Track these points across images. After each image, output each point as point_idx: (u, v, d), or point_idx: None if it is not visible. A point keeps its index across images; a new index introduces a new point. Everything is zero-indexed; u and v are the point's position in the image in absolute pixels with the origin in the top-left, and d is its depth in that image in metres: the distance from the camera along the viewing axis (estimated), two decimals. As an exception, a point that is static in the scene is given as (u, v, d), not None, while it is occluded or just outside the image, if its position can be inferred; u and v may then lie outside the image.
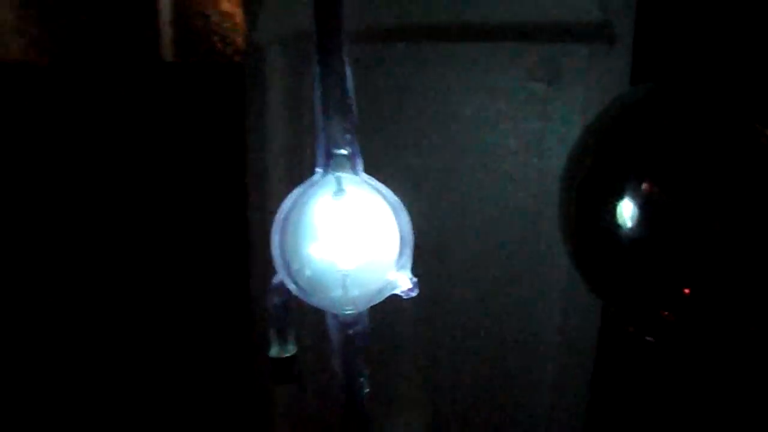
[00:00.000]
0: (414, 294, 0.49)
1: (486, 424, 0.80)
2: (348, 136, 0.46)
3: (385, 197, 0.47)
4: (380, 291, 0.48)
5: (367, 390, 0.53)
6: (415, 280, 0.48)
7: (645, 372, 0.64)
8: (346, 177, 0.47)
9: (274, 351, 0.52)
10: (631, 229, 0.55)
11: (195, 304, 1.19)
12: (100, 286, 1.21)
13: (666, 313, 0.57)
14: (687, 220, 0.52)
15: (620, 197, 0.55)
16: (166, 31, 1.40)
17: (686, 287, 0.55)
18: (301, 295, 0.49)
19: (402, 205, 0.48)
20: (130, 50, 1.37)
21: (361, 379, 0.53)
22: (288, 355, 0.52)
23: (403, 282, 0.48)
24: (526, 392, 0.79)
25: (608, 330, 0.68)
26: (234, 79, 1.08)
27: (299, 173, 0.88)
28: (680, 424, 0.65)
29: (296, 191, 0.47)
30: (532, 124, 0.76)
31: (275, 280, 0.51)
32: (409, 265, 0.48)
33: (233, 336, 1.09)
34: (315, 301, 0.49)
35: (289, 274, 0.48)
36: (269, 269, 0.89)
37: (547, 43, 0.72)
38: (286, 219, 0.47)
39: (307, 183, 0.48)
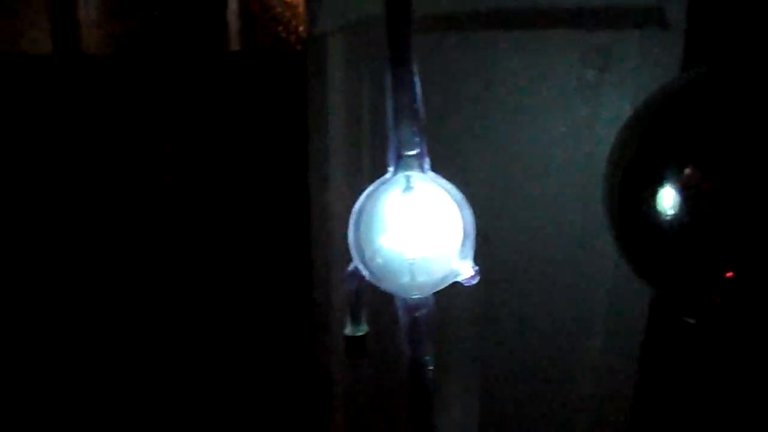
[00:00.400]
0: (474, 282, 0.53)
1: (534, 406, 0.82)
2: (416, 139, 0.51)
3: (449, 193, 0.52)
4: (444, 278, 0.53)
5: (432, 368, 0.58)
6: (476, 268, 0.52)
7: (693, 355, 0.65)
8: (415, 175, 0.52)
9: (348, 329, 0.58)
10: (676, 213, 0.56)
11: (260, 291, 1.24)
12: (168, 274, 1.27)
13: (713, 296, 0.58)
14: (734, 204, 0.53)
15: (666, 181, 0.56)
16: (234, 22, 1.46)
17: (733, 270, 0.56)
18: (373, 281, 0.56)
19: (465, 201, 0.52)
20: (200, 41, 1.44)
21: (427, 358, 0.58)
22: (360, 333, 0.58)
23: (465, 270, 0.52)
24: (573, 377, 0.80)
25: (656, 316, 0.69)
26: (296, 67, 1.12)
27: (358, 158, 0.92)
28: (728, 408, 0.65)
29: (370, 188, 0.53)
30: (583, 111, 0.77)
31: (350, 266, 0.55)
32: (471, 255, 0.52)
33: (296, 323, 1.14)
34: (385, 286, 0.56)
35: (363, 261, 0.53)
36: (329, 255, 0.94)
37: (599, 29, 0.73)
38: (360, 213, 0.53)
39: (379, 181, 0.53)
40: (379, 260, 0.53)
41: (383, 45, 0.52)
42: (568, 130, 0.78)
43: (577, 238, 0.79)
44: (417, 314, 0.57)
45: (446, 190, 0.52)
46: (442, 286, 0.55)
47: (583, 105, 0.76)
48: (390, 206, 0.53)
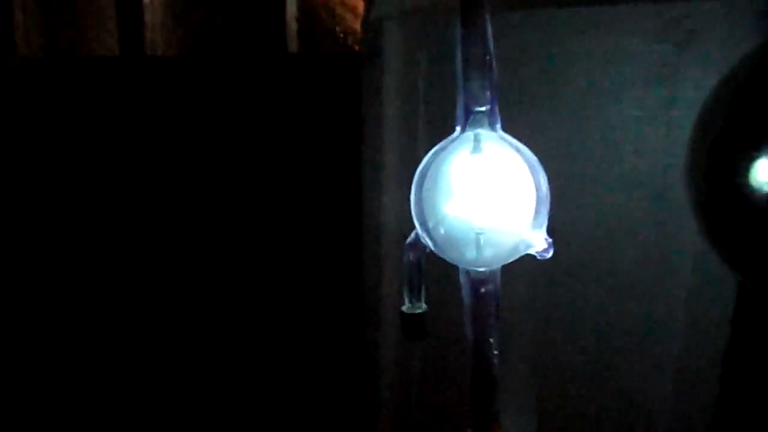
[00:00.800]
0: (548, 255, 0.48)
1: (602, 408, 0.76)
2: (487, 93, 0.46)
3: (523, 155, 0.47)
4: (514, 250, 0.48)
5: (497, 353, 0.53)
6: (550, 240, 0.47)
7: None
8: (484, 134, 0.48)
9: (406, 306, 0.53)
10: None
11: (309, 282, 1.24)
12: (227, 259, 1.29)
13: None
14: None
15: (759, 155, 0.50)
16: (292, 25, 1.48)
17: None
18: (436, 251, 0.49)
19: (539, 164, 0.48)
20: (260, 43, 1.47)
21: (491, 341, 0.52)
22: (419, 311, 0.53)
23: (538, 242, 0.47)
24: (648, 377, 0.73)
25: (744, 309, 0.62)
26: (354, 67, 1.11)
27: (412, 149, 0.89)
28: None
29: (435, 148, 0.48)
30: (659, 91, 0.71)
31: (411, 236, 0.51)
32: (544, 224, 0.48)
33: (347, 311, 1.12)
34: (449, 257, 0.50)
35: (425, 230, 0.48)
36: (381, 256, 0.91)
37: (676, 0, 0.67)
38: (424, 175, 0.48)
39: (446, 140, 0.48)
40: (443, 229, 0.49)
41: (439, 32, 0.48)
42: (643, 113, 0.72)
43: (653, 231, 0.73)
44: (482, 290, 0.52)
45: (519, 151, 0.48)
46: (512, 259, 0.49)
47: (660, 86, 0.70)
48: (456, 168, 0.48)
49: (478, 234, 0.48)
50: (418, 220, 0.49)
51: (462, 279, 0.51)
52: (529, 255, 0.50)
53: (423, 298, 0.53)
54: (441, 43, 0.81)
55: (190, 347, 1.29)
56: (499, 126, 0.48)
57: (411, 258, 0.52)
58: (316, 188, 1.28)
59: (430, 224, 0.49)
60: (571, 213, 0.78)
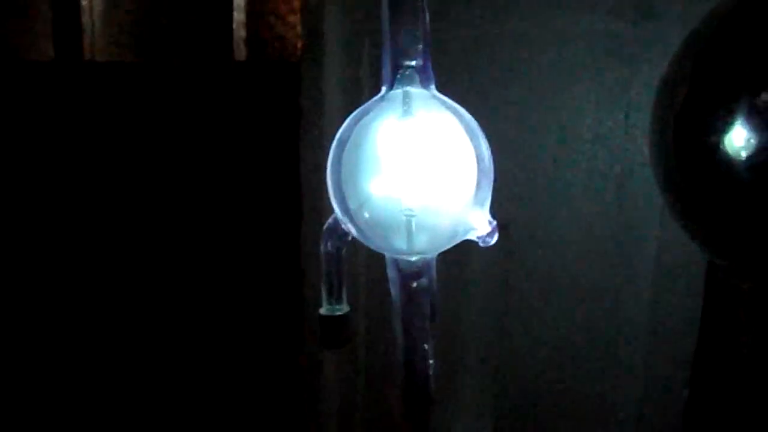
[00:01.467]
0: (492, 241, 0.40)
1: (568, 415, 0.69)
2: (419, 45, 0.39)
3: (461, 118, 0.40)
4: (452, 235, 0.40)
5: (432, 362, 0.44)
6: (494, 223, 0.40)
7: (757, 356, 0.52)
8: (416, 93, 0.40)
9: (324, 309, 0.44)
10: (747, 160, 0.44)
11: (252, 285, 1.19)
12: (168, 266, 1.23)
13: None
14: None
15: (730, 123, 0.44)
16: (240, 32, 1.42)
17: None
18: (359, 239, 0.41)
19: (479, 128, 0.40)
20: (207, 50, 1.41)
21: (425, 347, 0.44)
22: (339, 313, 0.44)
23: (480, 224, 0.39)
24: (614, 382, 0.67)
25: (715, 294, 0.56)
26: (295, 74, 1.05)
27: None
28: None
29: (356, 112, 0.40)
30: (617, 73, 0.66)
31: (329, 220, 0.42)
32: (487, 202, 0.40)
33: (286, 315, 1.06)
34: (375, 246, 0.41)
35: (346, 213, 0.40)
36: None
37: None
38: (343, 146, 0.40)
39: (370, 102, 0.40)
40: (367, 213, 0.40)
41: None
42: (599, 96, 0.67)
43: (613, 223, 0.67)
44: (415, 285, 0.43)
45: (457, 114, 0.40)
46: (449, 246, 0.41)
47: (616, 67, 0.66)
48: (383, 137, 0.40)
49: (408, 217, 0.39)
50: (337, 200, 0.40)
51: (391, 272, 0.42)
52: (469, 241, 0.41)
53: (344, 298, 0.44)
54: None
55: (129, 348, 1.22)
56: (433, 85, 0.40)
57: (329, 248, 0.43)
58: (259, 195, 1.24)
59: (352, 206, 0.39)
60: (526, 209, 0.73)
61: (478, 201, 0.39)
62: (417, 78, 0.40)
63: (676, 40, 0.61)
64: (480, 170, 0.39)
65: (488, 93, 0.68)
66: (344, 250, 0.45)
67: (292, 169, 0.91)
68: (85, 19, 1.39)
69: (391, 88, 0.40)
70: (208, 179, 1.27)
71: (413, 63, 0.40)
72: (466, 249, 0.84)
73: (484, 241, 0.40)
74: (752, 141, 0.43)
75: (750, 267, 0.47)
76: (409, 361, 0.45)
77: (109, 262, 1.25)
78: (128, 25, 1.40)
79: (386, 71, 0.40)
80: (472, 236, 0.41)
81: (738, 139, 0.43)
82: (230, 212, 1.26)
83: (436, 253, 0.43)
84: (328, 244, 0.44)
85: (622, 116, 0.66)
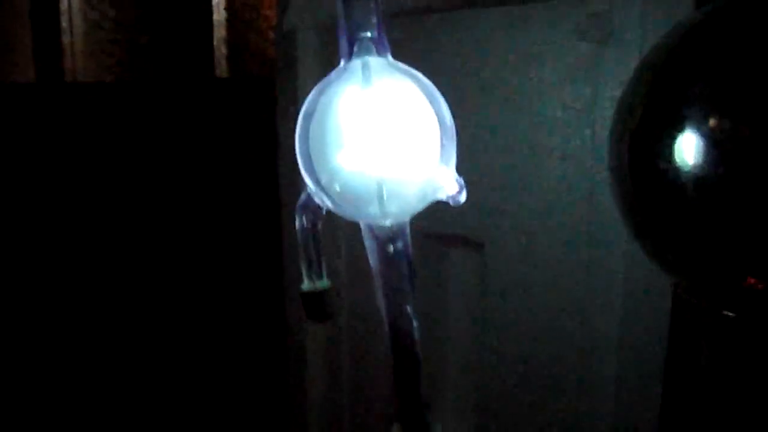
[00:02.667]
0: (462, 199, 0.41)
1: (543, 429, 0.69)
2: (373, 18, 0.41)
3: (420, 83, 0.41)
4: (422, 197, 0.41)
5: (417, 325, 0.44)
6: (461, 181, 0.41)
7: (727, 360, 0.52)
8: (374, 62, 0.41)
9: (305, 285, 0.45)
10: (702, 177, 0.45)
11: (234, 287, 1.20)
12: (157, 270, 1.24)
13: (752, 280, 0.46)
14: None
15: (685, 141, 0.45)
16: (221, 49, 1.43)
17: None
18: (333, 209, 0.42)
19: (438, 92, 0.42)
20: (188, 68, 1.41)
21: (408, 309, 0.44)
22: (321, 288, 0.44)
23: (447, 183, 0.41)
24: (587, 396, 0.67)
25: (681, 313, 0.57)
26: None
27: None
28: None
29: (317, 88, 0.42)
30: (583, 90, 0.67)
31: (302, 196, 0.43)
32: (453, 161, 0.41)
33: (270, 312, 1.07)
34: (349, 216, 0.42)
35: (318, 185, 0.41)
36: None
37: (595, -4, 0.64)
38: (308, 119, 0.41)
39: (330, 75, 0.42)
40: (338, 184, 0.40)
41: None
42: (565, 114, 0.68)
43: (583, 239, 0.68)
44: (392, 249, 0.44)
45: (415, 79, 0.41)
46: (421, 208, 0.42)
47: (581, 84, 0.67)
48: (346, 108, 0.41)
49: (379, 184, 0.40)
50: (308, 173, 0.40)
51: (366, 240, 0.43)
52: (440, 202, 0.42)
53: (324, 272, 0.45)
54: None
55: (114, 351, 1.23)
56: (389, 54, 0.42)
57: (304, 223, 0.43)
58: (243, 212, 1.25)
59: (323, 178, 0.40)
60: (499, 227, 0.73)
61: (443, 161, 0.41)
62: (373, 48, 0.41)
63: (635, 61, 0.62)
64: (443, 131, 0.41)
65: (457, 111, 0.69)
66: (320, 225, 0.45)
67: (271, 187, 0.92)
68: (66, 40, 1.40)
69: (349, 59, 0.41)
70: (192, 198, 1.27)
71: (368, 34, 0.41)
72: (443, 265, 0.85)
73: (454, 201, 0.41)
74: (701, 163, 0.43)
75: (703, 285, 0.48)
76: (393, 324, 0.45)
77: (93, 272, 1.25)
78: (109, 45, 1.41)
79: (343, 44, 0.42)
80: (441, 196, 0.41)
81: (687, 161, 0.44)
82: (213, 229, 1.27)
83: (409, 217, 0.44)
84: (303, 219, 0.45)
85: (588, 133, 0.67)
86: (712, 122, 0.44)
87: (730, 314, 0.45)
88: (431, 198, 0.41)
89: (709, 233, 0.44)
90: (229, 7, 1.41)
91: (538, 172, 0.70)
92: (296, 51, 0.82)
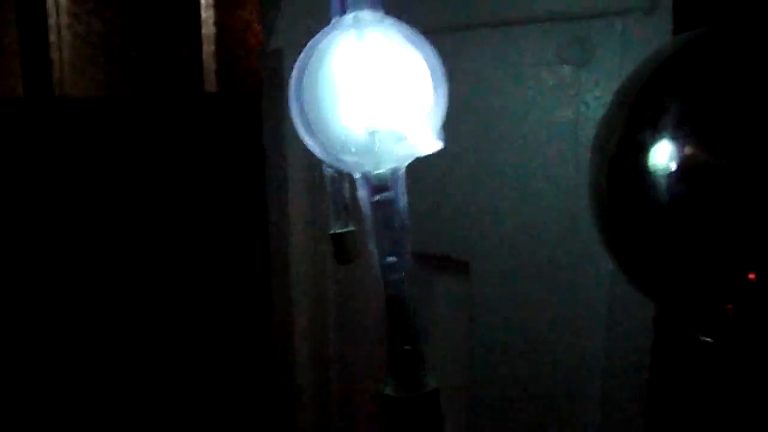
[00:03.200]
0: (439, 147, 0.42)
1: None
2: None
3: (411, 34, 0.42)
4: (414, 149, 0.42)
5: (403, 275, 0.44)
6: (444, 138, 0.41)
7: (710, 381, 0.53)
8: (366, 16, 0.42)
9: (335, 227, 0.47)
10: (677, 203, 0.45)
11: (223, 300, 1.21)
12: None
13: (729, 306, 0.47)
14: (748, 186, 0.43)
15: (662, 166, 0.46)
16: (210, 64, 1.43)
17: (753, 271, 0.45)
18: (327, 160, 0.42)
19: (428, 43, 0.42)
20: (177, 82, 1.42)
21: (399, 259, 0.44)
22: (349, 229, 0.47)
23: (430, 142, 0.42)
24: (573, 412, 0.68)
25: (664, 337, 0.58)
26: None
27: (320, 172, 0.85)
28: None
29: (310, 44, 0.41)
30: (565, 111, 0.68)
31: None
32: (444, 106, 0.41)
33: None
34: (345, 166, 0.42)
35: (313, 137, 0.41)
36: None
37: (576, 20, 0.65)
38: (302, 73, 0.41)
39: (322, 31, 0.42)
40: (333, 135, 0.41)
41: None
42: (549, 134, 0.69)
43: (568, 258, 0.69)
44: (380, 198, 0.44)
45: (406, 34, 0.42)
46: (414, 157, 0.42)
47: (564, 106, 0.68)
48: (339, 61, 0.41)
49: (372, 134, 0.40)
50: (303, 126, 0.41)
51: (360, 190, 0.43)
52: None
53: (349, 219, 0.46)
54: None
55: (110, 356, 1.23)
56: (381, 10, 0.42)
57: (330, 171, 0.45)
58: (231, 225, 1.25)
59: (317, 130, 0.40)
60: (486, 248, 0.74)
61: (436, 106, 0.41)
62: (366, 3, 0.42)
63: (613, 84, 0.64)
64: (434, 79, 0.41)
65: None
66: (345, 178, 0.46)
67: (259, 197, 0.92)
68: (54, 55, 1.40)
69: (342, 13, 0.42)
70: (181, 210, 1.27)
71: None
72: (430, 285, 0.86)
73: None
74: (677, 187, 0.44)
75: (681, 310, 0.49)
76: (385, 276, 0.45)
77: (83, 284, 1.25)
78: (98, 59, 1.41)
79: (335, 2, 0.42)
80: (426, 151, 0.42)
81: (663, 185, 0.45)
82: (202, 240, 1.27)
83: (404, 165, 0.44)
84: (327, 168, 0.45)
85: (571, 154, 0.68)
86: (688, 148, 0.44)
87: (708, 340, 0.46)
88: (421, 151, 0.41)
89: (685, 257, 0.45)
90: (218, 22, 1.42)
91: (523, 193, 0.71)
92: (283, 71, 0.82)
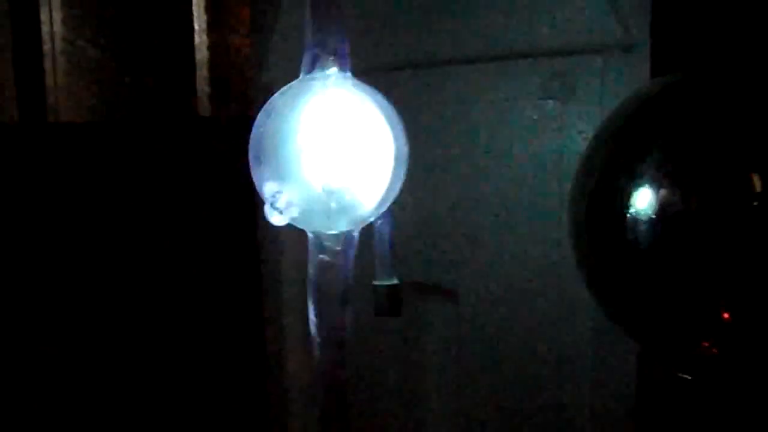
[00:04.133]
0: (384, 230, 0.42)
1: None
2: (338, 37, 0.41)
3: (374, 97, 0.42)
4: (368, 216, 0.43)
5: (342, 368, 0.45)
6: (391, 211, 0.43)
7: (694, 417, 0.54)
8: (335, 75, 0.42)
9: (377, 280, 0.47)
10: (653, 244, 0.47)
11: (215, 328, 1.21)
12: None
13: (706, 344, 0.49)
14: (722, 228, 0.44)
15: (639, 209, 0.48)
16: (203, 88, 1.45)
17: (727, 311, 0.47)
18: (279, 218, 0.42)
19: (393, 110, 0.43)
20: (171, 107, 1.43)
21: (331, 332, 0.43)
22: (394, 282, 0.46)
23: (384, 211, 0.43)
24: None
25: (646, 375, 0.59)
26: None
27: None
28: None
29: (279, 92, 0.42)
30: (549, 145, 0.70)
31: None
32: (399, 183, 0.42)
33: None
34: (297, 223, 0.42)
35: (269, 192, 0.41)
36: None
37: (558, 57, 0.67)
38: (262, 125, 0.42)
39: (289, 84, 0.43)
40: (289, 192, 0.41)
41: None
42: (533, 166, 0.70)
43: (554, 286, 0.70)
44: (325, 258, 0.44)
45: (371, 95, 0.42)
46: (366, 223, 0.43)
47: (548, 139, 0.70)
48: (303, 115, 0.41)
49: (328, 192, 0.41)
50: (258, 179, 0.41)
51: (310, 248, 0.43)
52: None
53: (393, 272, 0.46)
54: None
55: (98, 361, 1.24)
56: (348, 71, 0.42)
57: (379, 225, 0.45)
58: (224, 247, 1.25)
59: (273, 185, 0.41)
60: (470, 275, 0.75)
61: (393, 180, 0.41)
62: (335, 63, 0.42)
63: (594, 118, 0.66)
64: (396, 151, 0.42)
65: (426, 169, 0.72)
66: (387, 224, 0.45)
67: (252, 220, 0.92)
68: (49, 80, 1.41)
69: (311, 71, 0.42)
70: (174, 236, 1.28)
71: (332, 50, 0.41)
72: (420, 312, 0.87)
73: (378, 229, 0.42)
74: (652, 228, 0.46)
75: (660, 349, 0.50)
76: (322, 341, 0.45)
77: (76, 309, 1.25)
78: (92, 85, 1.42)
79: (307, 58, 0.42)
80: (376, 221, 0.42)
81: (638, 225, 0.46)
82: (197, 269, 1.28)
83: (358, 229, 0.44)
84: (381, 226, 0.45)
85: (556, 186, 0.69)
86: (663, 193, 0.46)
87: (687, 377, 0.47)
88: (374, 217, 0.42)
89: (660, 297, 0.46)
90: (212, 47, 1.44)
91: (508, 222, 0.73)
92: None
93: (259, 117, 0.41)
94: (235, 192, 1.24)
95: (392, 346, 0.77)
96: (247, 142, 1.22)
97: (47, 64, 1.41)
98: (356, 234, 0.42)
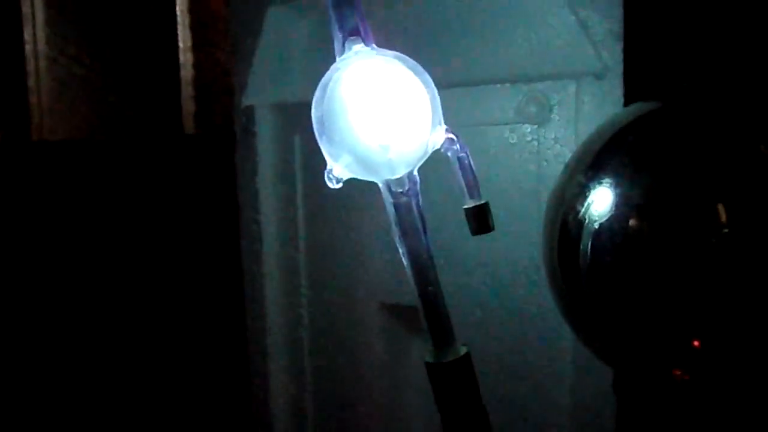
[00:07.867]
0: (457, 147, 0.49)
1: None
2: (359, 21, 0.48)
3: (405, 61, 0.48)
4: (424, 153, 0.49)
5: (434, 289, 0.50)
6: (450, 131, 0.48)
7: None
8: (364, 52, 0.48)
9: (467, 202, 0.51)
10: (625, 272, 0.48)
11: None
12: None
13: (678, 372, 0.49)
14: (694, 257, 0.45)
15: (609, 234, 0.48)
16: (188, 106, 1.45)
17: (698, 339, 0.48)
18: (353, 173, 0.49)
19: (420, 66, 0.48)
20: (157, 124, 1.43)
21: (424, 253, 0.50)
22: (480, 203, 0.50)
23: (441, 138, 0.48)
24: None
25: (624, 402, 0.59)
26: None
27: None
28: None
29: (321, 81, 0.48)
30: (527, 168, 0.70)
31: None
32: (440, 118, 0.48)
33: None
34: (366, 177, 0.49)
35: (338, 159, 0.48)
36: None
37: (534, 81, 0.68)
38: (320, 107, 0.48)
39: (329, 71, 0.48)
40: (353, 155, 0.48)
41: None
42: (511, 189, 0.71)
43: (534, 310, 0.70)
44: (403, 200, 0.49)
45: (400, 59, 0.48)
46: (424, 159, 0.49)
47: (526, 163, 0.70)
48: (348, 89, 0.48)
49: (384, 149, 0.48)
50: (330, 153, 0.47)
51: (384, 196, 0.49)
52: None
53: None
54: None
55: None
56: (374, 45, 0.48)
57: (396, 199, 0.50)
58: (209, 265, 1.26)
59: (339, 151, 0.47)
60: (450, 299, 0.75)
61: (435, 121, 0.48)
62: (361, 42, 0.48)
63: (571, 142, 0.66)
64: (431, 96, 0.48)
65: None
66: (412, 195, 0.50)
67: (236, 235, 0.93)
68: (33, 99, 1.41)
69: (343, 53, 0.48)
70: (160, 254, 1.28)
71: (357, 33, 0.48)
72: (402, 336, 0.87)
73: (450, 149, 0.48)
74: (622, 263, 0.46)
75: (633, 374, 0.50)
76: (415, 268, 0.51)
77: (64, 326, 1.25)
78: (76, 103, 1.42)
79: (337, 45, 0.49)
80: (439, 148, 0.48)
81: (615, 251, 0.47)
82: (182, 287, 1.28)
83: (416, 167, 0.49)
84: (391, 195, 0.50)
85: (535, 209, 0.69)
86: (633, 225, 0.46)
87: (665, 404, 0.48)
88: (431, 150, 0.48)
89: (631, 327, 0.46)
90: (197, 65, 1.44)
91: (487, 251, 0.73)
92: (255, 127, 0.84)
93: (314, 106, 0.48)
94: (219, 208, 1.24)
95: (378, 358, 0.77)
96: (232, 160, 1.22)
97: (31, 83, 1.41)
98: (416, 173, 0.49)
